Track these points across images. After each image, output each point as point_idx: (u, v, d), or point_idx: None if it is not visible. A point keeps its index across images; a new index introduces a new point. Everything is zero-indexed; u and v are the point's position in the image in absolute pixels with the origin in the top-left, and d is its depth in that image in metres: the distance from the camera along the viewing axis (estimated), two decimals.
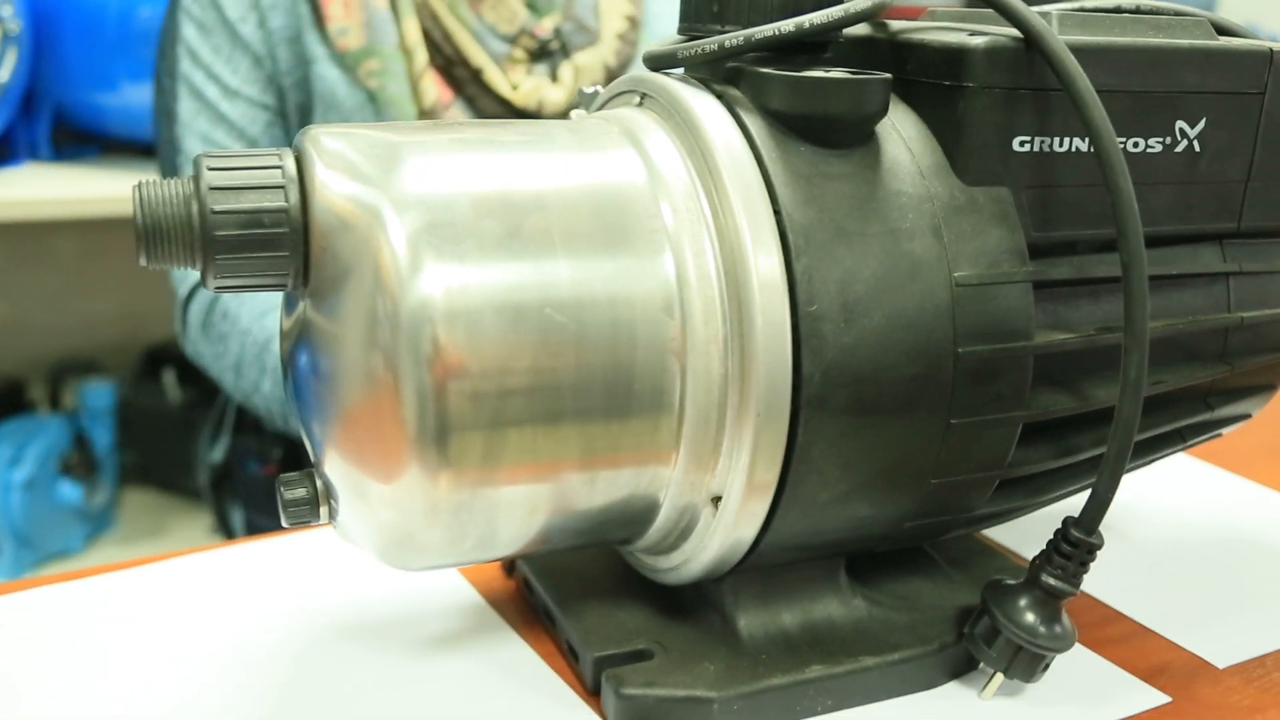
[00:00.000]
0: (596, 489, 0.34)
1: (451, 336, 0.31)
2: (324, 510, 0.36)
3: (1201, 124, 0.39)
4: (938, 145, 0.36)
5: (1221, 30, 0.44)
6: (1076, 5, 0.45)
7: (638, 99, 0.38)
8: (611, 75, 0.79)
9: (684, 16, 0.38)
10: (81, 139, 1.30)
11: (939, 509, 0.38)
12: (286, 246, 0.33)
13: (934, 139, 0.36)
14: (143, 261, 0.33)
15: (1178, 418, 0.42)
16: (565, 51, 0.77)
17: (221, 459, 0.93)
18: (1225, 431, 0.46)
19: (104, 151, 1.31)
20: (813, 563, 0.39)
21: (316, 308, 0.33)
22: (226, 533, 0.98)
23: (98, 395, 1.29)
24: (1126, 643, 0.43)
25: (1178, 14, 0.44)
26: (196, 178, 0.33)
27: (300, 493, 0.36)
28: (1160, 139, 0.38)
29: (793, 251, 0.33)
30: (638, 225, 0.33)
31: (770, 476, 0.34)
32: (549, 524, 0.34)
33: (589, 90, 0.42)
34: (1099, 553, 0.37)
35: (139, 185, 0.33)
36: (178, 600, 0.44)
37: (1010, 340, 0.35)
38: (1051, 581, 0.37)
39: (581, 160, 0.34)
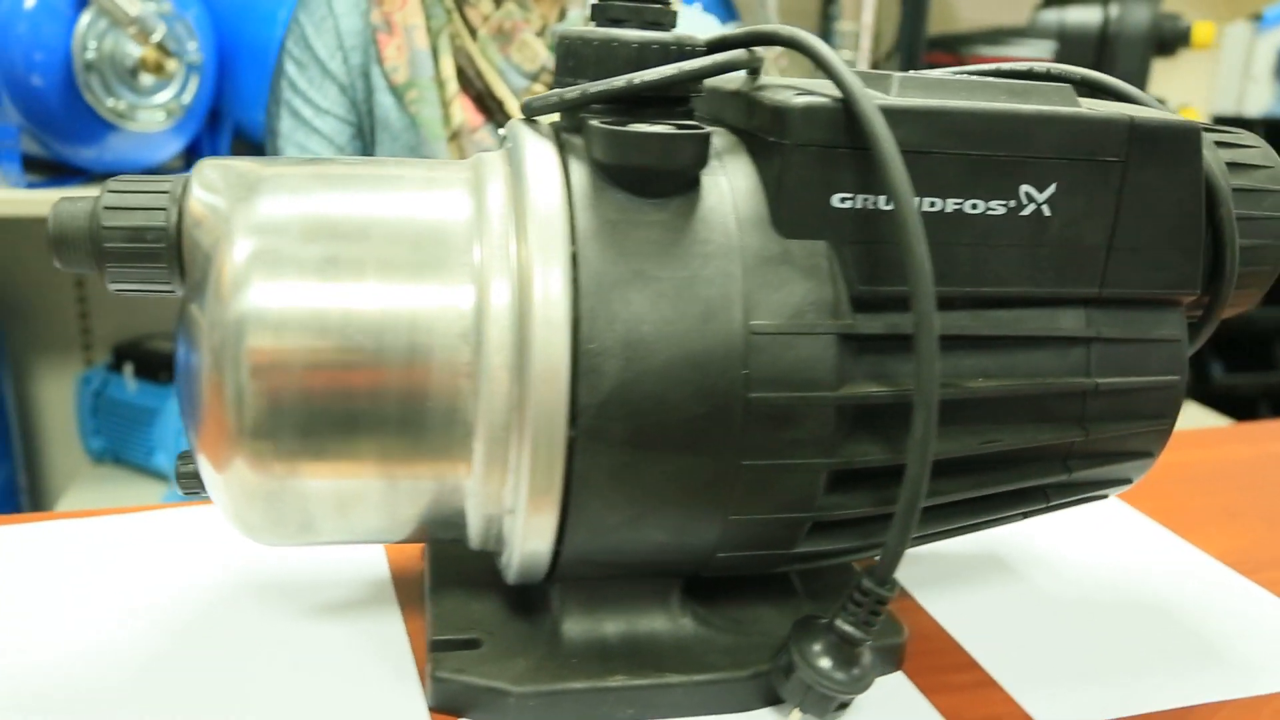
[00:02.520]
0: (400, 494, 0.35)
1: (260, 346, 0.32)
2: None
3: (1051, 189, 0.36)
4: (763, 198, 0.35)
5: (1107, 93, 0.41)
6: (979, 69, 0.43)
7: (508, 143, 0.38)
8: None
9: (555, 71, 0.38)
10: (258, 150, 1.42)
11: (749, 544, 0.37)
12: (165, 259, 0.35)
13: (762, 192, 0.35)
14: (56, 264, 0.36)
15: (1031, 477, 0.39)
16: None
17: None
18: (1111, 493, 0.42)
19: None
20: (646, 579, 0.39)
21: (189, 309, 0.36)
22: None
23: None
24: (966, 692, 0.40)
25: (1050, 78, 0.41)
26: (99, 195, 0.36)
27: (191, 467, 0.39)
28: (1003, 202, 0.36)
29: (581, 294, 0.33)
30: (450, 261, 0.34)
31: (551, 498, 0.34)
32: (366, 520, 0.36)
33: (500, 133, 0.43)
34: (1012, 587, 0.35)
35: (57, 202, 0.36)
36: (119, 553, 0.47)
37: (809, 389, 0.34)
38: (845, 628, 0.36)
39: (418, 198, 0.35)
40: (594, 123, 0.34)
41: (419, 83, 0.87)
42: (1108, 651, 0.43)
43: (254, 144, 1.42)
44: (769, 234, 0.35)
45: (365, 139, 0.91)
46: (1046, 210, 0.36)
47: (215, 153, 1.37)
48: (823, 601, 0.42)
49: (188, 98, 1.23)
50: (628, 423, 0.33)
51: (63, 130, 1.12)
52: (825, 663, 0.36)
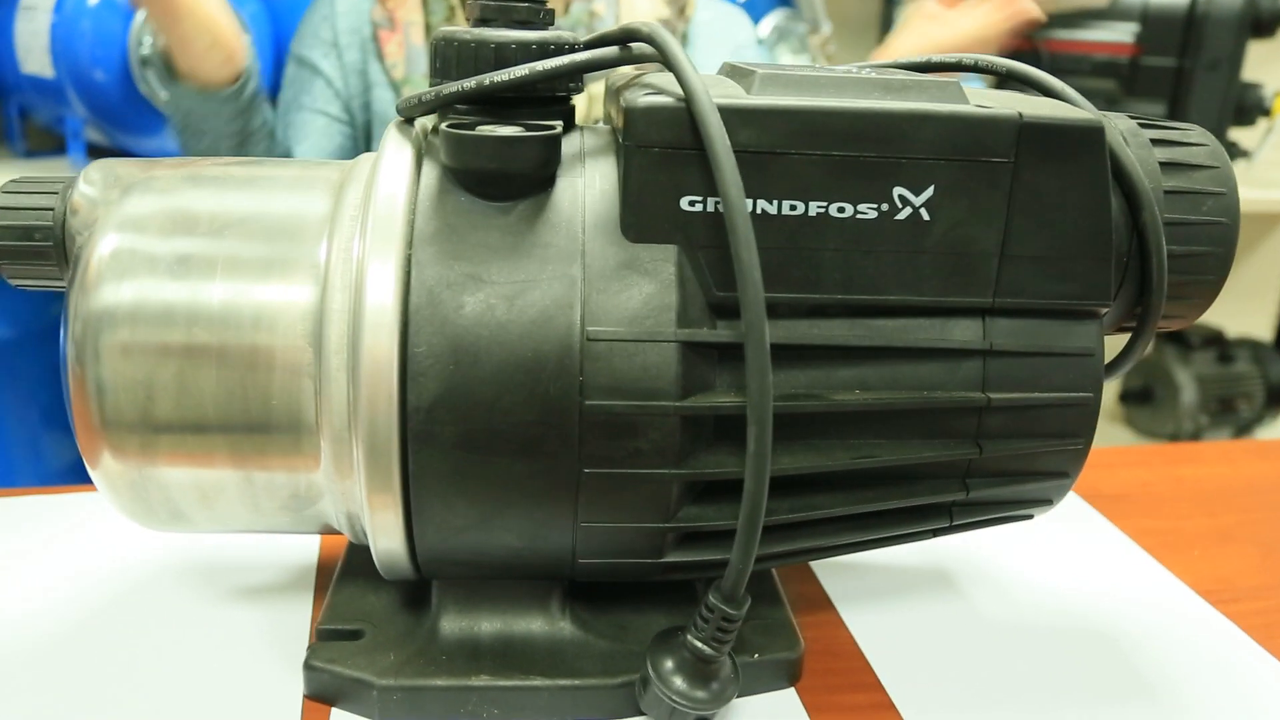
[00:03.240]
0: (258, 489, 0.35)
1: (111, 343, 0.33)
2: None
3: (929, 191, 0.33)
4: (618, 203, 0.34)
5: (1032, 86, 0.38)
6: (893, 62, 0.40)
7: None
8: None
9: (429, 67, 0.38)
10: None
11: (609, 552, 0.36)
12: (51, 257, 0.37)
13: (617, 196, 0.34)
14: None
15: (923, 494, 0.37)
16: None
17: None
18: (1035, 513, 0.39)
19: None
20: (525, 581, 0.39)
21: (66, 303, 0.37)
22: None
23: None
24: (855, 714, 0.38)
25: (977, 70, 0.38)
26: None
27: None
28: (873, 205, 0.33)
29: (412, 297, 0.32)
30: (299, 261, 0.34)
31: (390, 498, 0.33)
32: (233, 513, 0.36)
33: None
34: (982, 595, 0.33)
35: None
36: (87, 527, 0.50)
37: (649, 399, 0.33)
38: (695, 643, 0.34)
39: (280, 198, 0.35)
40: (442, 126, 0.34)
41: (413, 79, 0.88)
42: (1026, 683, 0.40)
43: None
44: (616, 238, 0.33)
45: (358, 139, 0.93)
46: (925, 214, 0.33)
47: None
48: None
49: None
50: (458, 426, 0.32)
51: (123, 122, 1.17)
52: (679, 680, 0.34)
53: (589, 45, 0.37)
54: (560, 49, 0.35)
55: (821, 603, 0.45)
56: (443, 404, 0.32)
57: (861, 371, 0.35)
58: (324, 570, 0.46)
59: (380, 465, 0.33)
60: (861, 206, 0.33)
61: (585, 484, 0.33)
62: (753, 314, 0.30)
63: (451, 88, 0.34)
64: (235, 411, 0.34)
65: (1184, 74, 1.23)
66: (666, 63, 0.33)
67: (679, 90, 0.33)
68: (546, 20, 0.36)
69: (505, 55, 0.35)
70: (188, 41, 0.80)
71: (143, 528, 0.38)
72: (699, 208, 0.33)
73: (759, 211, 0.33)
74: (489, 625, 0.38)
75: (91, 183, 0.36)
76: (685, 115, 0.32)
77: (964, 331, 0.35)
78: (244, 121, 0.88)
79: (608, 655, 0.38)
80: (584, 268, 0.33)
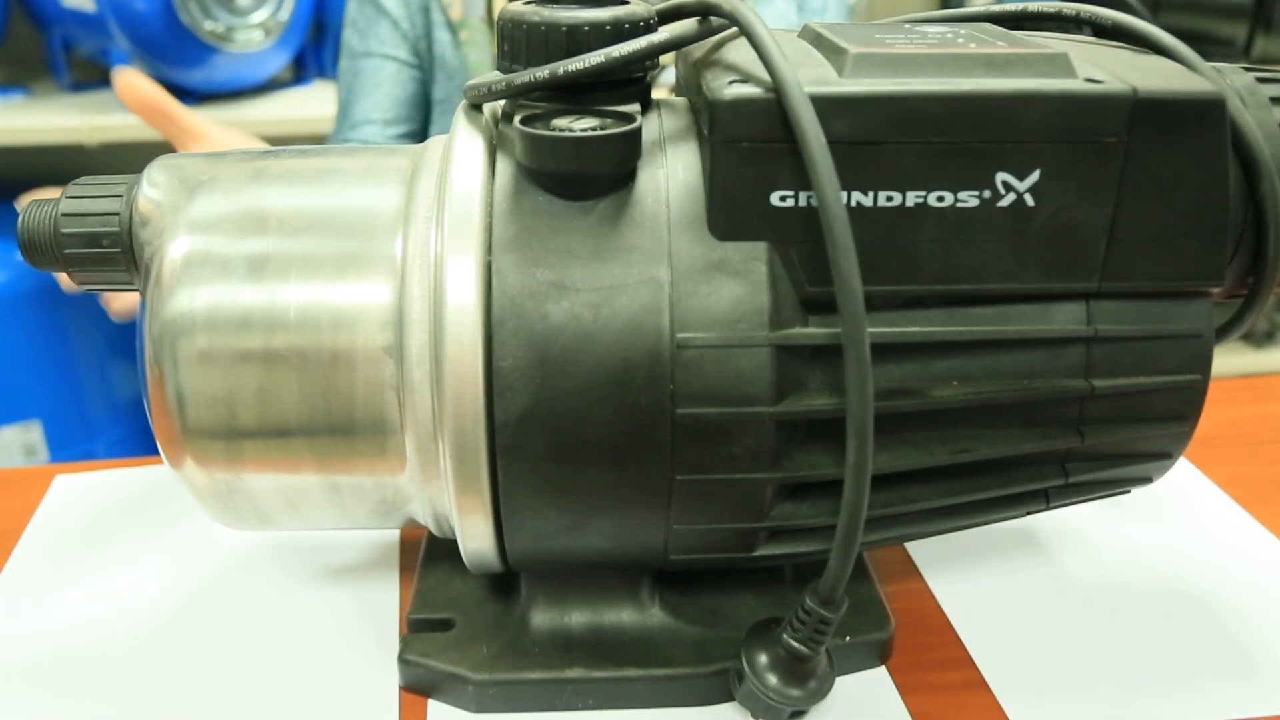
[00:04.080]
0: (344, 494, 0.35)
1: (189, 351, 0.32)
2: None
3: (1035, 176, 0.31)
4: (703, 196, 0.32)
5: (1138, 41, 0.35)
6: (981, 13, 0.37)
7: None
8: None
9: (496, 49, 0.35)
10: None
11: (702, 548, 0.35)
12: (120, 262, 0.36)
13: (702, 190, 0.32)
14: (29, 264, 0.37)
15: (1020, 483, 0.35)
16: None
17: None
18: (1131, 489, 0.38)
19: None
20: (616, 571, 0.38)
21: (144, 304, 0.36)
22: None
23: None
24: (948, 694, 0.38)
25: (1072, 20, 0.35)
26: (59, 200, 0.36)
27: None
28: (975, 193, 0.31)
29: (495, 307, 0.31)
30: (375, 261, 0.32)
31: (479, 506, 0.33)
32: (320, 517, 0.36)
33: None
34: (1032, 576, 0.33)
35: (26, 206, 0.37)
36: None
37: (743, 405, 0.31)
38: (792, 643, 0.33)
39: (351, 192, 0.34)
40: (515, 123, 0.32)
41: (470, 23, 0.81)
42: (1120, 656, 0.39)
43: None
44: (704, 237, 0.31)
45: (428, 82, 0.86)
46: (1030, 200, 0.31)
47: (321, 66, 1.38)
48: (802, 588, 0.39)
49: (285, 14, 1.24)
50: (548, 439, 0.31)
51: (166, 54, 1.14)
52: (774, 677, 0.34)
53: (663, 17, 0.34)
54: (635, 28, 0.33)
55: (906, 569, 0.44)
56: (531, 417, 0.31)
57: (960, 363, 0.33)
58: (407, 548, 0.46)
59: (468, 475, 0.32)
60: (962, 195, 0.31)
61: (678, 490, 0.33)
62: (852, 327, 0.29)
63: (523, 77, 0.32)
64: (318, 417, 0.33)
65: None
66: (752, 44, 0.30)
67: (764, 73, 0.31)
68: None
69: (578, 39, 0.32)
70: None
71: (229, 529, 0.38)
72: (790, 203, 0.31)
73: (854, 204, 0.31)
74: (579, 616, 0.38)
75: (156, 184, 0.35)
76: (776, 107, 0.30)
77: (1067, 317, 0.33)
78: None
79: (700, 643, 0.37)
80: (671, 269, 0.31)
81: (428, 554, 0.42)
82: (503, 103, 0.35)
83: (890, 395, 0.32)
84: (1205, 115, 0.31)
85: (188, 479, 0.34)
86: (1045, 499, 0.37)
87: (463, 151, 0.33)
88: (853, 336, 0.29)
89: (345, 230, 0.33)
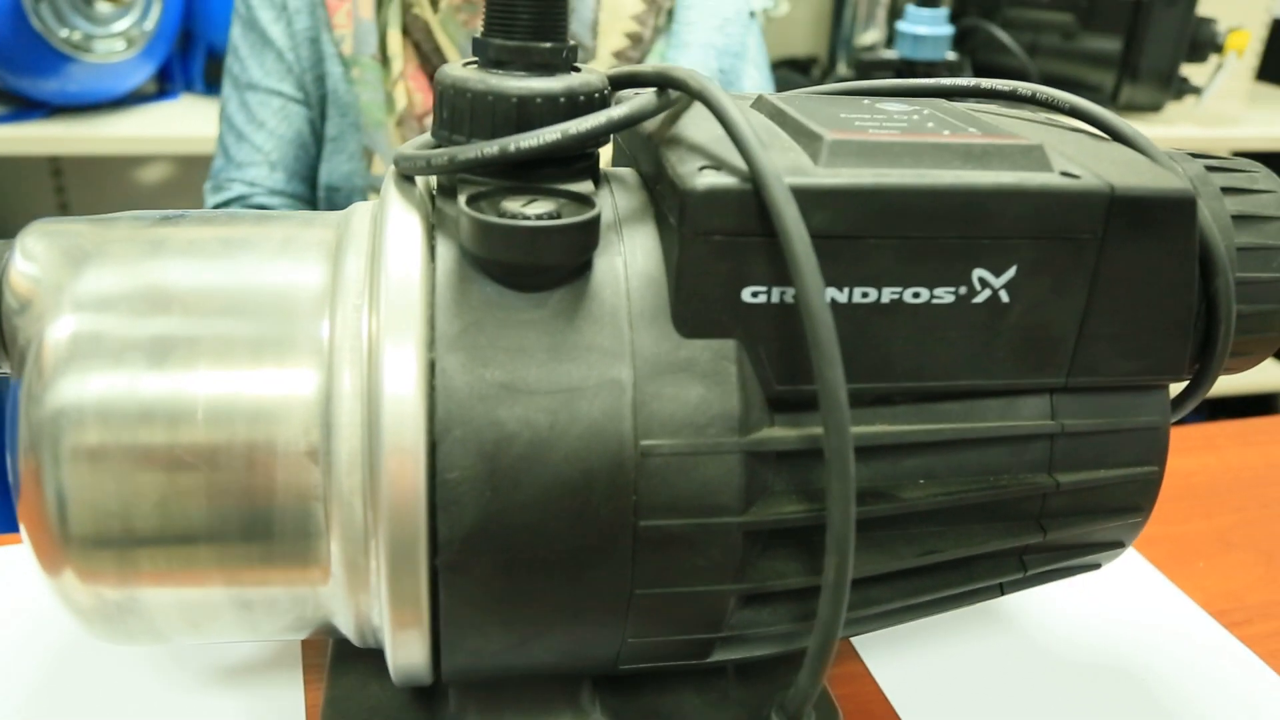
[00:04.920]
0: (256, 609, 0.31)
1: (76, 448, 0.28)
2: None
3: (1011, 272, 0.30)
4: (665, 287, 0.29)
5: (1096, 125, 0.34)
6: (945, 85, 0.36)
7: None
8: None
9: (433, 113, 0.32)
10: None
11: (655, 657, 0.32)
12: None
13: (664, 281, 0.29)
14: None
15: (980, 579, 0.34)
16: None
17: None
18: (1079, 570, 0.37)
19: None
20: (556, 677, 0.35)
21: (13, 397, 0.31)
22: None
23: None
24: None
25: (1034, 102, 0.34)
26: None
27: None
28: (952, 289, 0.30)
29: (439, 412, 0.28)
30: (297, 348, 0.29)
31: (417, 626, 0.29)
32: (225, 632, 0.32)
33: None
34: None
35: None
36: None
37: (710, 515, 0.29)
38: None
39: (268, 269, 0.30)
40: (460, 206, 0.28)
41: (361, 60, 0.74)
42: None
43: None
44: (668, 333, 0.29)
45: (316, 120, 0.79)
46: (1005, 296, 0.30)
47: (188, 78, 1.28)
48: (753, 684, 0.37)
49: (150, 24, 1.14)
50: (496, 556, 0.28)
51: (16, 63, 1.04)
52: None
53: (615, 84, 0.32)
54: (590, 100, 0.30)
55: (845, 652, 0.43)
56: (479, 533, 0.28)
57: (928, 461, 0.32)
58: (310, 644, 0.42)
59: (405, 594, 0.29)
60: (938, 291, 0.30)
61: (636, 604, 0.30)
62: (837, 439, 0.27)
63: (467, 153, 0.29)
64: (230, 527, 0.29)
65: (1141, 8, 1.20)
66: (726, 129, 0.28)
67: (734, 157, 0.28)
68: (570, 60, 0.31)
69: (529, 112, 0.29)
70: None
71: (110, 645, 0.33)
72: (763, 299, 0.29)
73: (828, 301, 0.29)
74: None
75: (32, 255, 0.30)
76: (753, 199, 0.27)
77: (1032, 412, 0.32)
78: None
79: None
80: (634, 370, 0.29)
81: (337, 654, 0.38)
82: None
83: (861, 498, 0.31)
84: (1178, 212, 0.30)
85: (65, 592, 0.30)
86: (1000, 590, 0.35)
87: (397, 230, 0.29)
88: (838, 450, 0.27)
89: (261, 313, 0.29)
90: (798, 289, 0.26)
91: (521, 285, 0.29)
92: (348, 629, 0.32)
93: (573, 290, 0.29)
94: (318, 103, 0.78)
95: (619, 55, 0.73)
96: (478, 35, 0.31)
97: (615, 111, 0.29)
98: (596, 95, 0.30)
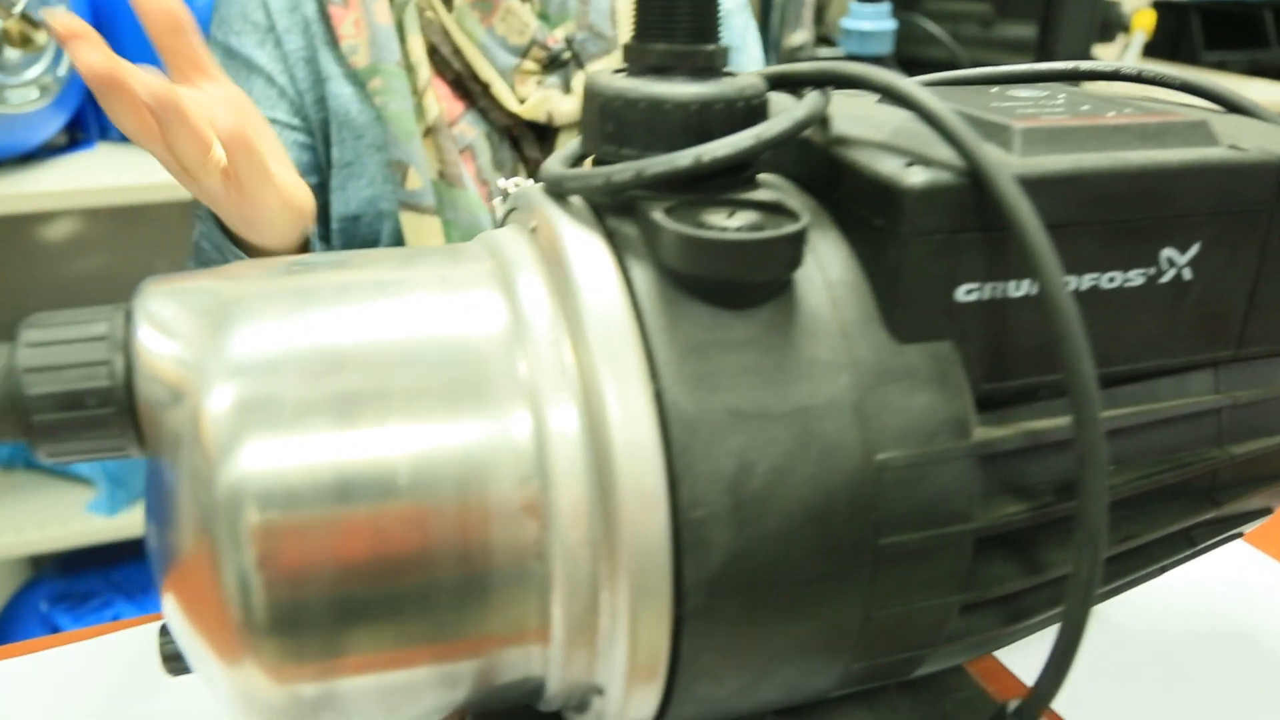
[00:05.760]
0: (458, 683, 0.28)
1: (266, 522, 0.24)
2: None
3: (1194, 250, 0.30)
4: (869, 292, 0.28)
5: (1207, 98, 0.35)
6: (1057, 70, 0.35)
7: (532, 225, 0.30)
8: None
9: (583, 130, 0.30)
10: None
11: (865, 679, 0.31)
12: (114, 426, 0.27)
13: (866, 283, 0.28)
14: None
15: (1159, 557, 0.34)
16: (579, 61, 0.68)
17: None
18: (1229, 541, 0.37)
19: None
20: None
21: (160, 472, 0.27)
22: None
23: None
24: None
25: (1142, 80, 0.35)
26: (13, 351, 0.27)
27: (174, 646, 0.31)
28: (1143, 270, 0.29)
29: (675, 447, 0.25)
30: (493, 397, 0.26)
31: (654, 681, 0.27)
32: (417, 708, 0.29)
33: (502, 184, 0.35)
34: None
35: None
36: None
37: (945, 525, 0.28)
38: None
39: (435, 314, 0.27)
40: (658, 218, 0.26)
41: (383, 69, 0.67)
42: (1200, 705, 0.39)
43: None
44: (883, 340, 0.28)
45: (319, 148, 0.71)
46: (1188, 274, 0.30)
47: (102, 125, 1.18)
48: (916, 695, 0.36)
49: (64, 69, 1.05)
50: (741, 596, 0.26)
51: None
52: None
53: (772, 84, 0.30)
54: (754, 104, 0.29)
55: None
56: (726, 574, 0.26)
57: (1117, 447, 0.31)
58: None
59: (646, 647, 0.26)
60: (1131, 274, 0.29)
61: (868, 628, 0.28)
62: (1089, 430, 0.26)
63: (656, 166, 0.27)
64: (442, 593, 0.26)
65: None
66: (930, 122, 0.27)
67: (930, 151, 0.27)
68: (723, 63, 0.29)
69: (710, 120, 0.28)
70: (263, 223, 0.52)
71: None
72: (975, 296, 0.28)
73: (1025, 294, 0.28)
74: None
75: (159, 319, 0.27)
76: (970, 194, 0.27)
77: (1201, 387, 0.32)
78: None
79: None
80: (858, 382, 0.27)
81: (478, 716, 0.35)
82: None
83: (1065, 491, 0.30)
84: None
85: (244, 688, 0.26)
86: (1163, 570, 0.35)
87: (582, 253, 0.27)
88: (1090, 444, 0.26)
89: (447, 359, 0.26)
90: (1041, 282, 0.26)
91: (729, 303, 0.27)
92: (554, 692, 0.29)
93: (780, 304, 0.27)
94: (319, 128, 0.70)
95: None
96: (629, 41, 0.29)
97: (797, 112, 0.28)
98: (759, 98, 0.29)
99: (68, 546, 1.11)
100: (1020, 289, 0.28)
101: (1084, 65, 0.37)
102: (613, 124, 0.28)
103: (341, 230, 0.69)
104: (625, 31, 0.69)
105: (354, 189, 0.67)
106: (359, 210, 0.67)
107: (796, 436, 0.26)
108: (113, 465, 1.13)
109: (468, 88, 0.68)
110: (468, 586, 0.26)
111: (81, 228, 1.34)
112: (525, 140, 0.68)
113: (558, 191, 0.29)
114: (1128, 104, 0.32)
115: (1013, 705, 0.29)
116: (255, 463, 0.25)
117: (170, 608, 0.28)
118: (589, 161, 0.31)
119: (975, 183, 0.26)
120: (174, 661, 0.31)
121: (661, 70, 0.28)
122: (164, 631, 0.31)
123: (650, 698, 0.27)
